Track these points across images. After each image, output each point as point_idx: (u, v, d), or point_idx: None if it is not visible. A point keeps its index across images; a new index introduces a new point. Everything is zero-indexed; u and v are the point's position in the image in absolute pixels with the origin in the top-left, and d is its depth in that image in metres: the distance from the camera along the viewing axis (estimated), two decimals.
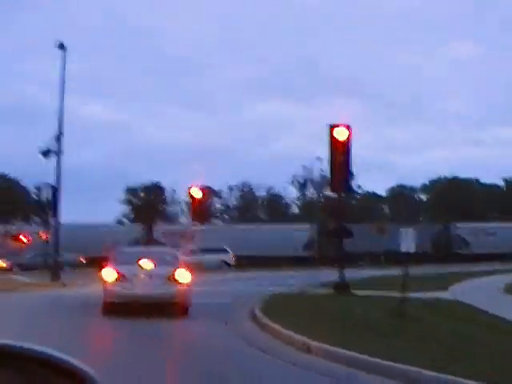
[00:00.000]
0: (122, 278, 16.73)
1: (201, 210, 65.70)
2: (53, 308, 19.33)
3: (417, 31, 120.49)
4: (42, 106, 67.62)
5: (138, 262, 17.06)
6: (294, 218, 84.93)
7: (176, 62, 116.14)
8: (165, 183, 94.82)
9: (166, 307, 16.44)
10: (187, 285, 16.89)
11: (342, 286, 22.55)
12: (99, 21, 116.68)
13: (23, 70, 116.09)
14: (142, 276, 16.86)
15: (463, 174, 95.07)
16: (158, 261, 17.34)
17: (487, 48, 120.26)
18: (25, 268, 48.42)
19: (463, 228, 64.40)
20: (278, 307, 16.90)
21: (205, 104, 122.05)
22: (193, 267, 19.59)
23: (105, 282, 16.95)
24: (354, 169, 24.62)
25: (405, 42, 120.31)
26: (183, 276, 16.92)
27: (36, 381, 1.55)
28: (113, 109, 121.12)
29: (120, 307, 16.15)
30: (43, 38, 72.05)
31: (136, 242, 53.21)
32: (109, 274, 16.97)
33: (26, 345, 1.57)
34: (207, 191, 77.00)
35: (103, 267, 17.66)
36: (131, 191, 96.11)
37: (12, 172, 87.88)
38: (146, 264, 16.97)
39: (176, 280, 16.72)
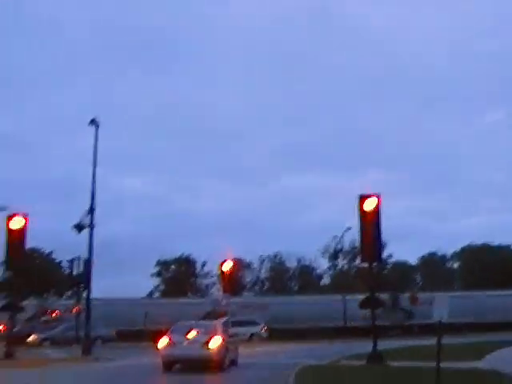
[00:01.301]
0: (172, 343, 22.83)
1: (232, 283, 65.43)
2: (111, 376, 22.06)
3: (447, 100, 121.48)
4: (78, 182, 68.95)
5: (187, 332, 23.11)
6: (326, 289, 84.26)
7: (208, 133, 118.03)
8: (196, 255, 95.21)
9: (204, 365, 22.06)
10: (219, 348, 22.53)
11: (375, 357, 22.25)
12: (132, 97, 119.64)
13: (59, 147, 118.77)
14: (186, 342, 22.75)
15: (496, 241, 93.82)
16: (201, 330, 23.19)
17: None
18: (55, 342, 48.35)
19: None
20: (312, 379, 16.71)
21: (236, 175, 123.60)
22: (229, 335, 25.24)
23: (160, 347, 23.05)
24: (385, 238, 24.49)
25: (435, 110, 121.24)
26: (215, 342, 22.58)
27: None
28: (146, 182, 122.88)
29: (173, 364, 22.97)
30: (84, 115, 73.98)
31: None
32: (163, 341, 23.13)
33: None
34: (238, 263, 76.94)
35: (160, 337, 23.58)
36: (162, 264, 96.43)
37: (46, 246, 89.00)
38: (191, 333, 23.03)
39: (210, 345, 22.47)
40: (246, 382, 19.01)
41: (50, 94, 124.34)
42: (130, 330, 60.26)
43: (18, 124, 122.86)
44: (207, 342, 22.56)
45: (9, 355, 30.09)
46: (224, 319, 49.72)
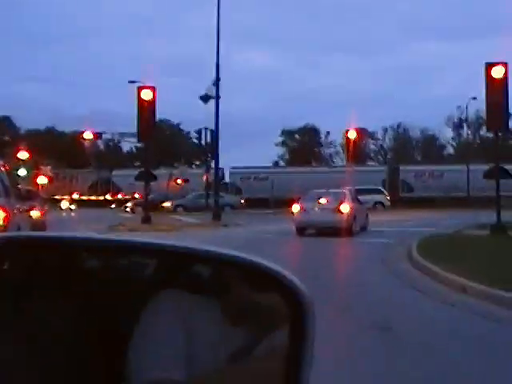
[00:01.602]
0: (303, 210, 24.64)
1: (356, 152, 65.73)
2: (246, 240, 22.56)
3: None
4: (202, 56, 69.75)
5: (317, 199, 24.94)
6: (449, 159, 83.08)
7: (329, 6, 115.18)
8: (320, 126, 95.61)
9: (334, 230, 23.24)
10: (347, 214, 23.98)
11: (498, 228, 22.30)
12: None
13: (185, 22, 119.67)
14: (317, 209, 24.41)
15: None
16: (331, 198, 24.79)
17: None
18: (187, 209, 50.93)
19: None
20: (434, 248, 17.06)
21: (359, 48, 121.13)
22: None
23: (293, 213, 25.08)
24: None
25: None
26: (344, 208, 24.06)
27: (243, 290, 1.43)
28: (269, 55, 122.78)
29: (305, 229, 24.75)
30: None
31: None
32: (295, 208, 25.05)
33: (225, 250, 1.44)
34: (362, 133, 76.71)
35: (292, 204, 25.62)
36: (287, 134, 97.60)
37: (174, 118, 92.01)
38: (322, 200, 24.77)
39: (339, 211, 23.92)
40: (371, 246, 19.74)
41: None
42: (256, 197, 62.39)
43: (141, 2, 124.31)
44: (336, 209, 23.97)
45: (146, 220, 32.25)
46: (351, 187, 50.27)
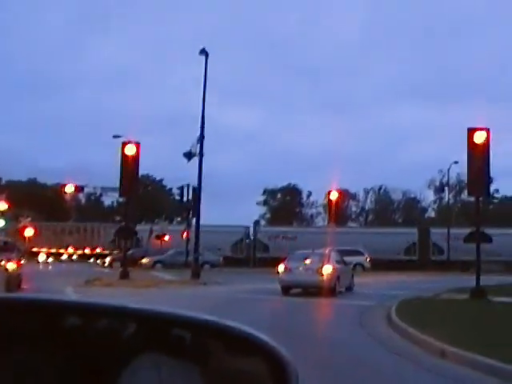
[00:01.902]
0: (288, 270, 25.11)
1: (337, 213, 65.88)
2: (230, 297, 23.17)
3: None
4: (186, 113, 70.44)
5: (303, 260, 25.26)
6: (431, 222, 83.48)
7: (313, 69, 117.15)
8: (302, 186, 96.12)
9: (318, 290, 23.80)
10: (330, 275, 24.37)
11: (478, 292, 22.25)
12: (244, 30, 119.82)
13: (169, 78, 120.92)
14: (301, 269, 24.77)
15: None
16: (315, 259, 25.08)
17: None
18: (166, 266, 50.48)
19: None
20: (413, 311, 16.98)
21: (342, 109, 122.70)
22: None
23: (278, 273, 25.64)
24: (493, 173, 24.17)
25: None
26: (327, 270, 24.45)
27: (221, 360, 1.38)
28: (253, 114, 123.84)
29: (290, 289, 25.09)
30: (186, 45, 75.20)
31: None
32: (280, 267, 25.52)
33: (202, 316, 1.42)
34: (344, 194, 77.11)
35: (279, 264, 26.14)
36: (269, 193, 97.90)
37: (157, 174, 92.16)
38: (307, 261, 25.09)
39: (321, 272, 24.26)
40: (353, 308, 19.58)
41: (158, 27, 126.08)
42: (236, 256, 62.17)
43: (128, 57, 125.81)
44: (319, 270, 24.35)
45: (124, 276, 31.88)
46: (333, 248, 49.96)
